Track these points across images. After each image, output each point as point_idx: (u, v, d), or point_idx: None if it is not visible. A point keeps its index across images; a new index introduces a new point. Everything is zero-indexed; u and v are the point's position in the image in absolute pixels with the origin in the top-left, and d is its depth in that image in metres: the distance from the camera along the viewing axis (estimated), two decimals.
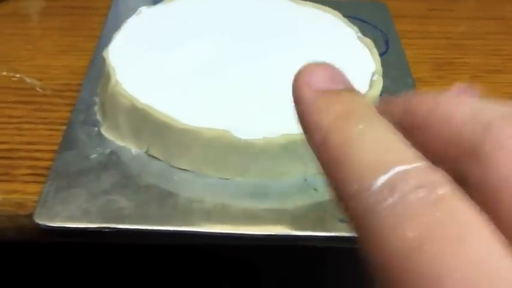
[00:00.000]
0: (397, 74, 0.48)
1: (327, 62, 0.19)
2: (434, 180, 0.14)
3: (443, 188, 0.14)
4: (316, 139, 0.17)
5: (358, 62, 0.44)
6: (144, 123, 0.39)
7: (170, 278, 0.66)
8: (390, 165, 0.15)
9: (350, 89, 0.18)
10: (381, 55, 0.46)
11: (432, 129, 0.17)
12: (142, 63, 0.43)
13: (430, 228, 0.13)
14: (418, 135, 0.16)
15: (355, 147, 0.16)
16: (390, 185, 0.14)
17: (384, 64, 0.44)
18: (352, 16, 0.52)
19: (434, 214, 0.14)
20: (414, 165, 0.15)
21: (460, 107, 0.16)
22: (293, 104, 0.18)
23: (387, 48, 0.51)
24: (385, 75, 0.43)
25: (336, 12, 0.50)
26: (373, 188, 0.15)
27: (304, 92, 0.18)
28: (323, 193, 0.38)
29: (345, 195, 0.16)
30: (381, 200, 0.14)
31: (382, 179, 0.15)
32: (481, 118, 0.16)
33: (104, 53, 0.43)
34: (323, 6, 0.50)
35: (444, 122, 0.16)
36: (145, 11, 0.49)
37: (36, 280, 0.59)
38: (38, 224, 0.35)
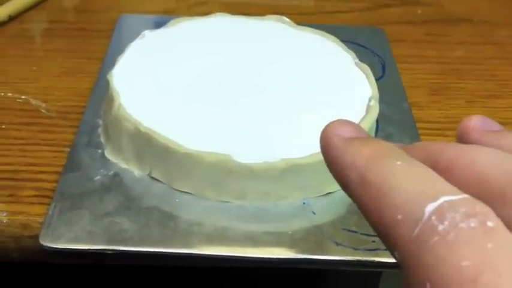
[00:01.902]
0: (393, 99, 0.49)
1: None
2: (483, 211, 0.15)
3: (492, 220, 0.15)
4: (353, 178, 0.18)
5: (355, 87, 0.45)
6: (147, 146, 0.40)
7: (171, 277, 0.67)
8: (437, 195, 0.15)
9: (375, 137, 0.20)
10: (377, 80, 0.47)
11: (457, 172, 0.17)
12: (145, 86, 0.44)
13: (484, 259, 0.14)
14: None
15: (398, 179, 0.16)
16: (439, 213, 0.15)
17: (380, 89, 0.45)
18: (350, 41, 0.53)
19: (486, 245, 0.14)
20: (460, 196, 0.15)
21: (485, 154, 0.17)
22: (322, 154, 0.20)
23: (384, 73, 0.53)
24: (381, 99, 0.44)
25: (333, 37, 0.51)
26: (421, 216, 0.15)
27: (334, 140, 0.19)
28: (321, 216, 0.39)
29: (387, 225, 0.16)
30: (430, 228, 0.15)
31: (430, 207, 0.15)
32: (509, 168, 0.17)
33: (108, 77, 0.44)
34: (321, 31, 0.51)
35: (470, 166, 0.17)
36: (148, 35, 0.50)
37: None
38: (43, 245, 0.36)
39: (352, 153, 0.18)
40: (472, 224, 0.14)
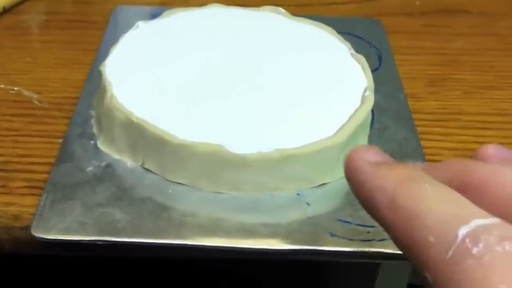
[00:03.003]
0: (389, 90, 0.49)
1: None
2: None
3: None
4: (382, 201, 0.18)
5: (351, 78, 0.45)
6: (140, 137, 0.39)
7: (170, 277, 0.67)
8: (469, 218, 0.15)
9: (399, 162, 0.20)
10: (373, 71, 0.46)
11: (491, 191, 0.18)
12: (138, 77, 0.44)
13: None
14: (469, 197, 0.17)
15: (429, 202, 0.17)
16: (473, 236, 0.15)
17: (376, 80, 0.45)
18: (346, 32, 0.52)
19: None
20: (491, 219, 0.15)
21: None
22: (348, 179, 0.20)
23: (380, 64, 0.52)
24: (377, 90, 0.44)
25: (330, 28, 0.50)
26: (454, 238, 0.15)
27: (361, 164, 0.19)
28: (315, 207, 0.38)
29: (418, 247, 0.16)
30: (464, 250, 0.15)
31: (463, 230, 0.15)
32: None
33: (101, 67, 0.44)
34: (317, 23, 0.51)
35: (503, 186, 0.17)
36: (142, 26, 0.49)
37: None
38: (34, 236, 0.35)
39: (381, 177, 0.18)
40: (507, 248, 0.14)
